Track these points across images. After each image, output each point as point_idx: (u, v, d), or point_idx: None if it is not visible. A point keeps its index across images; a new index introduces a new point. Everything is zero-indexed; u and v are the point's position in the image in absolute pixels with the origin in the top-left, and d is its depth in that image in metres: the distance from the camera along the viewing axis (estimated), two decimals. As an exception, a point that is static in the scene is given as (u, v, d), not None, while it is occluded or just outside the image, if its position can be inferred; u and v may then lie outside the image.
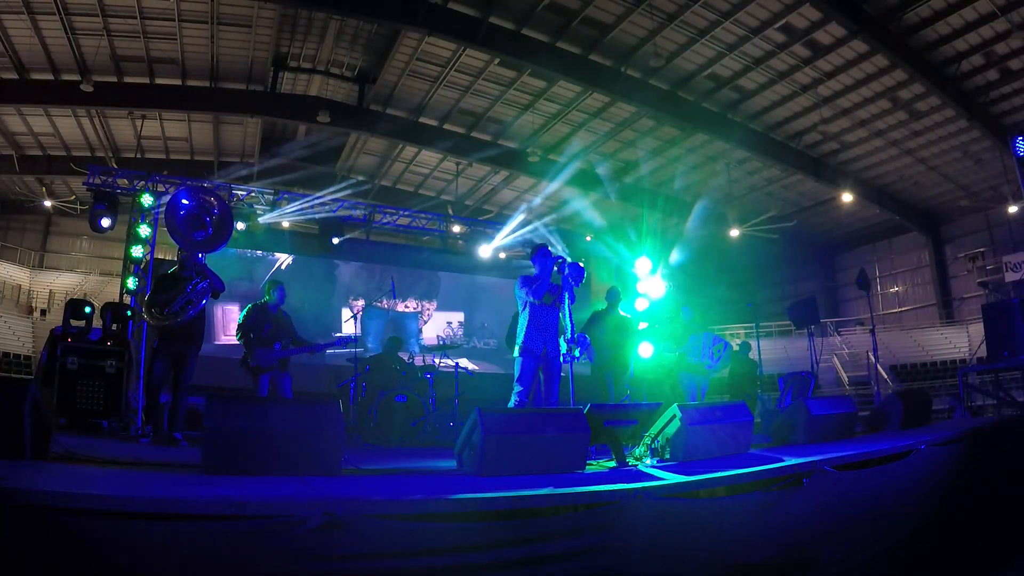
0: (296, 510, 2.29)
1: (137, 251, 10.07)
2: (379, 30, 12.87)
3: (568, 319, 5.13)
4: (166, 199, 8.37)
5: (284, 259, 11.86)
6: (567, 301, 5.16)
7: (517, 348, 5.23)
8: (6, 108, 14.63)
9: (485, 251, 12.47)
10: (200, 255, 5.73)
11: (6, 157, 16.88)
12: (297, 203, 11.23)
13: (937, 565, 4.27)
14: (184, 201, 5.35)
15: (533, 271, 5.40)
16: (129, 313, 7.88)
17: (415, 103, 14.83)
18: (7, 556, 2.03)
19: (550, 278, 5.25)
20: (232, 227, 5.97)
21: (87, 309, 7.59)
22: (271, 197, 11.32)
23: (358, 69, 14.19)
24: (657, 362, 9.06)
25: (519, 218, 12.57)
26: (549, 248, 5.47)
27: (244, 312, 6.64)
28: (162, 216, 8.61)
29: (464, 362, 10.34)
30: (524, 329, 5.21)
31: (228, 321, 10.68)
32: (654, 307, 11.12)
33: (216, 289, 5.69)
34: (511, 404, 5.07)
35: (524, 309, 5.30)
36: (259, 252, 11.63)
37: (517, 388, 5.14)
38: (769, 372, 12.02)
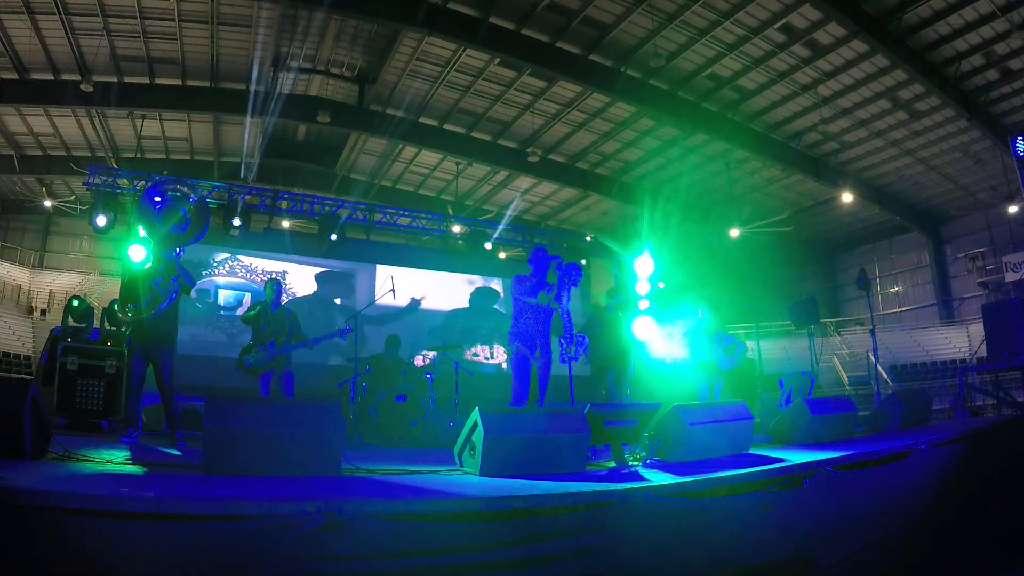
0: (296, 510, 2.29)
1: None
2: (379, 30, 12.87)
3: (566, 319, 5.12)
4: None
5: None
6: (565, 301, 5.15)
7: (510, 348, 5.22)
8: (6, 108, 14.63)
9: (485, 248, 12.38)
10: (179, 250, 5.72)
11: (6, 157, 16.89)
12: (297, 203, 11.21)
13: (937, 565, 4.27)
14: (157, 198, 5.35)
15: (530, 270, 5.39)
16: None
17: (415, 103, 14.82)
18: (7, 556, 2.02)
19: (546, 278, 5.24)
20: (209, 214, 5.95)
21: (75, 302, 7.53)
22: (271, 197, 11.31)
23: (358, 69, 14.19)
24: (659, 363, 9.03)
25: (513, 211, 12.48)
26: (547, 249, 5.48)
27: (247, 314, 6.69)
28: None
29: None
30: (518, 328, 5.21)
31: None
32: (659, 308, 11.08)
33: (187, 284, 5.62)
34: (510, 404, 5.07)
35: (518, 308, 5.29)
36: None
37: (514, 388, 5.14)
38: (769, 372, 11.99)
